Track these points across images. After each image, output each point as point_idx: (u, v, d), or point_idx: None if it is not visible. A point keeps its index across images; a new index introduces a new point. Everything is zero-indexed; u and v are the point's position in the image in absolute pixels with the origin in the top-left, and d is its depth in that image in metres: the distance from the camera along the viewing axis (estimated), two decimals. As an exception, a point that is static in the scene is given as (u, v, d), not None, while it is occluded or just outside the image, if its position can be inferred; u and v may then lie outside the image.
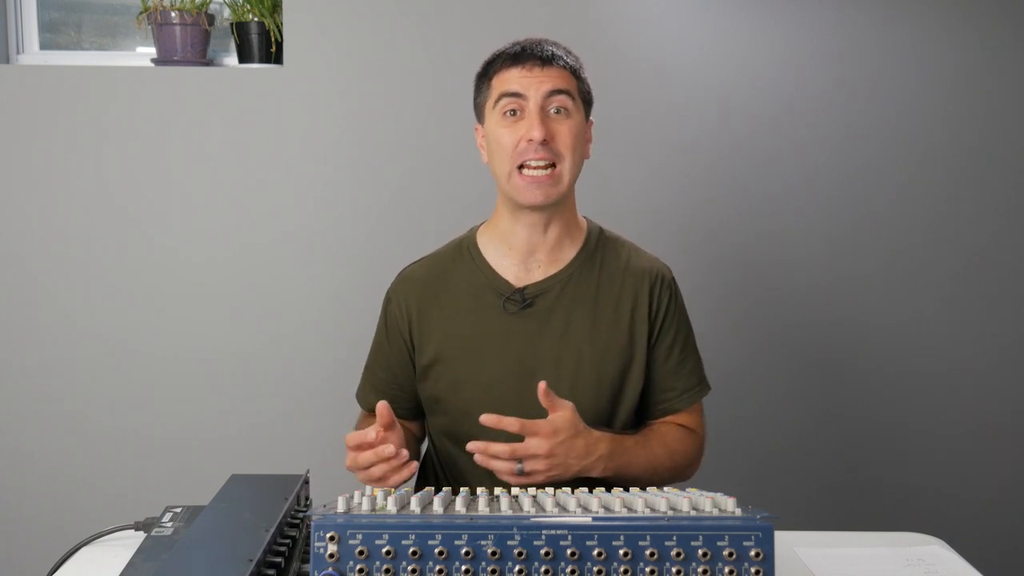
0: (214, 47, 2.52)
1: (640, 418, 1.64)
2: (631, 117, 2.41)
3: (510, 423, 1.37)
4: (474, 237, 1.64)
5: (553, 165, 1.51)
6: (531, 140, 1.49)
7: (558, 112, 1.52)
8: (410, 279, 1.65)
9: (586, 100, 1.58)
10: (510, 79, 1.53)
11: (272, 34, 2.42)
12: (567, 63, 1.55)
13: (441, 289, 1.61)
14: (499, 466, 1.38)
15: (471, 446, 1.38)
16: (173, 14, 2.39)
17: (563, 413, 1.41)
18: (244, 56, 2.46)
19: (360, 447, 1.35)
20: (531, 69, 1.52)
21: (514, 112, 1.52)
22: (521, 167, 1.51)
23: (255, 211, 2.42)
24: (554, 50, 1.55)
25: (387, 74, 2.40)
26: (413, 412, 1.68)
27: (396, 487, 1.33)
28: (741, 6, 2.42)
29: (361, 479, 1.38)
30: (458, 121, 2.37)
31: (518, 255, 1.59)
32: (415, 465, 1.37)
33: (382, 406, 1.38)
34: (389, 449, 1.33)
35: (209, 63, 2.49)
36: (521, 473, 1.38)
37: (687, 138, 2.44)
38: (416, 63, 2.39)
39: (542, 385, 1.39)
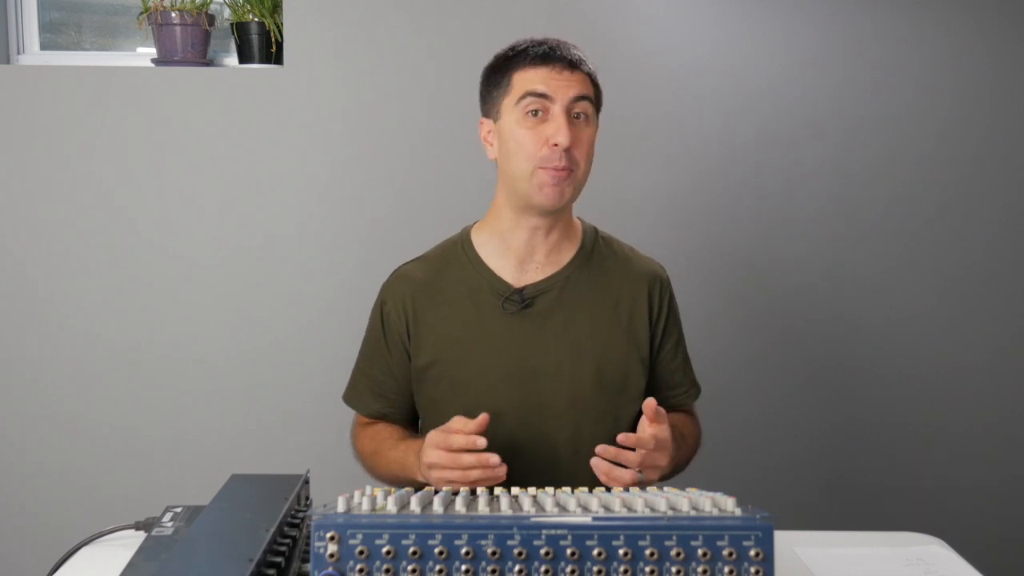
0: (214, 47, 2.53)
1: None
2: (631, 119, 2.41)
3: (647, 441, 1.35)
4: (469, 237, 1.63)
5: (570, 171, 1.49)
6: (556, 145, 1.46)
7: (577, 117, 1.50)
8: (405, 278, 1.63)
9: (598, 108, 1.56)
10: (536, 78, 1.49)
11: (272, 34, 2.42)
12: (589, 70, 1.53)
13: (437, 289, 1.60)
14: (623, 475, 1.35)
15: (600, 449, 1.34)
16: (173, 14, 2.40)
17: (667, 426, 1.40)
18: (244, 56, 2.46)
19: (468, 448, 1.35)
20: (560, 72, 1.49)
21: (536, 112, 1.49)
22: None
23: (255, 211, 2.42)
24: (580, 55, 1.53)
25: (387, 74, 2.40)
26: (412, 416, 1.67)
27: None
28: (741, 7, 2.42)
29: (440, 476, 1.37)
30: (459, 121, 2.37)
31: (516, 256, 1.58)
32: (504, 473, 1.37)
33: (483, 417, 1.38)
34: (495, 459, 1.34)
35: (209, 63, 2.49)
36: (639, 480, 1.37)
37: (687, 140, 2.44)
38: (416, 63, 2.39)
39: (652, 402, 1.37)
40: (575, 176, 1.50)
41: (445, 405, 1.58)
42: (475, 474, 1.35)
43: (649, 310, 1.60)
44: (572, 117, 1.49)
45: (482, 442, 1.35)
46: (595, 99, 1.54)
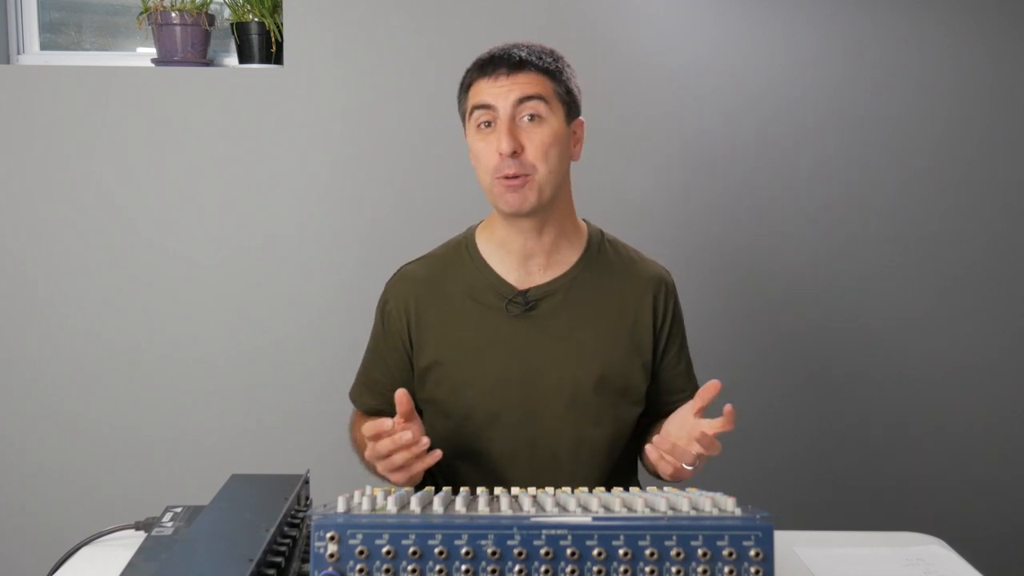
0: (214, 47, 2.53)
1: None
2: (631, 119, 2.41)
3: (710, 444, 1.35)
4: (473, 238, 1.62)
5: (527, 175, 1.47)
6: (501, 154, 1.46)
7: (531, 119, 1.47)
8: (408, 278, 1.62)
9: (567, 101, 1.51)
10: (480, 91, 1.49)
11: (272, 34, 2.42)
12: (540, 66, 1.49)
13: (440, 289, 1.59)
14: (686, 458, 1.35)
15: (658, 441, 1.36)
16: (173, 14, 2.40)
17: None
18: (244, 56, 2.46)
19: (378, 436, 1.33)
20: (497, 78, 1.47)
21: (488, 124, 1.48)
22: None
23: (255, 211, 2.42)
24: (523, 54, 1.48)
25: (387, 74, 2.40)
26: None
27: (413, 480, 1.34)
28: (741, 7, 2.42)
29: (381, 470, 1.37)
30: (459, 121, 2.37)
31: (516, 259, 1.57)
32: (438, 453, 1.35)
33: (401, 394, 1.36)
34: (406, 436, 1.31)
35: (209, 63, 2.49)
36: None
37: (687, 141, 2.44)
38: (416, 63, 2.39)
39: (729, 408, 1.37)
40: (532, 179, 1.47)
41: (446, 407, 1.58)
42: (398, 458, 1.33)
43: (653, 315, 1.60)
44: (521, 121, 1.47)
45: (387, 423, 1.32)
46: (554, 94, 1.49)
